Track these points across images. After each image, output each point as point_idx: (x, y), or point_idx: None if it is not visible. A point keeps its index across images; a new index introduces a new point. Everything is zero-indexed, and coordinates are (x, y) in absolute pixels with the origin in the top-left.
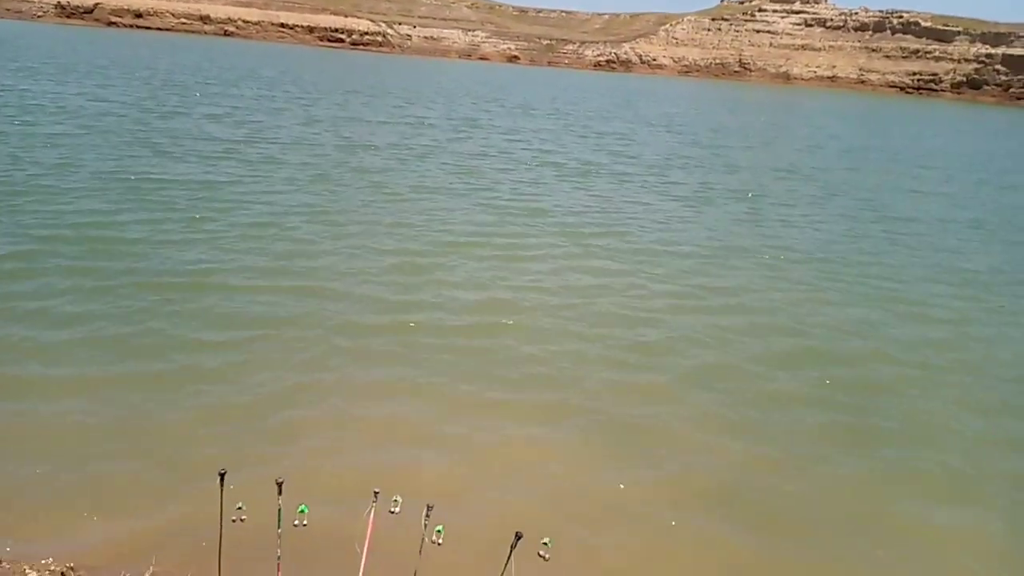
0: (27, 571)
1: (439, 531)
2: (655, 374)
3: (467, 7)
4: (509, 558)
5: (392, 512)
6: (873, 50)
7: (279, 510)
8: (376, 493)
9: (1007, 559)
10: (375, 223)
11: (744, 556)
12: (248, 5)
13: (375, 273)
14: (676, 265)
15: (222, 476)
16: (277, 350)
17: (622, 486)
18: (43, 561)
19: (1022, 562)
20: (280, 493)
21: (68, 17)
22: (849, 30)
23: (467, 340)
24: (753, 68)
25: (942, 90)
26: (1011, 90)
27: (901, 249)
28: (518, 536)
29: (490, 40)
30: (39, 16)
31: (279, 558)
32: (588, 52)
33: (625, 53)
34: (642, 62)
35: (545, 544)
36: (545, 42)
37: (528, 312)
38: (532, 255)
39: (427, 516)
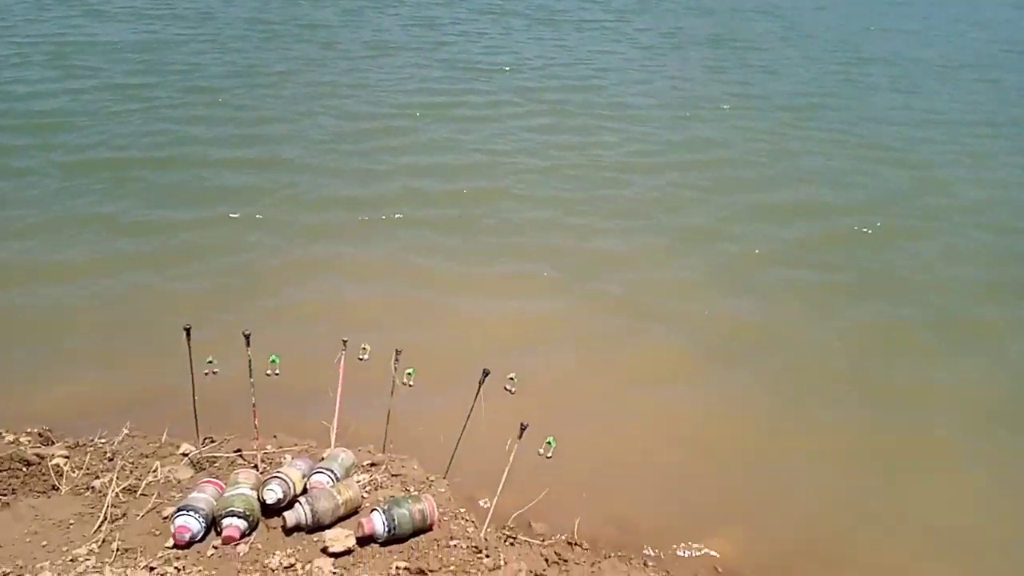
0: (3, 434)
1: (410, 374)
2: (629, 237)
3: None
4: (478, 393)
5: (361, 359)
6: None
7: (249, 360)
8: (345, 342)
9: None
10: (332, 84)
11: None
12: None
13: (334, 141)
14: (643, 119)
15: (187, 331)
16: (240, 225)
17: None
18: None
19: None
20: (248, 345)
21: None
22: None
23: (438, 209)
24: None
25: None
26: None
27: (870, 92)
28: (485, 373)
29: None
30: None
31: (254, 405)
32: None
33: None
34: None
35: (511, 379)
36: None
37: (497, 175)
38: (493, 115)
39: (396, 361)
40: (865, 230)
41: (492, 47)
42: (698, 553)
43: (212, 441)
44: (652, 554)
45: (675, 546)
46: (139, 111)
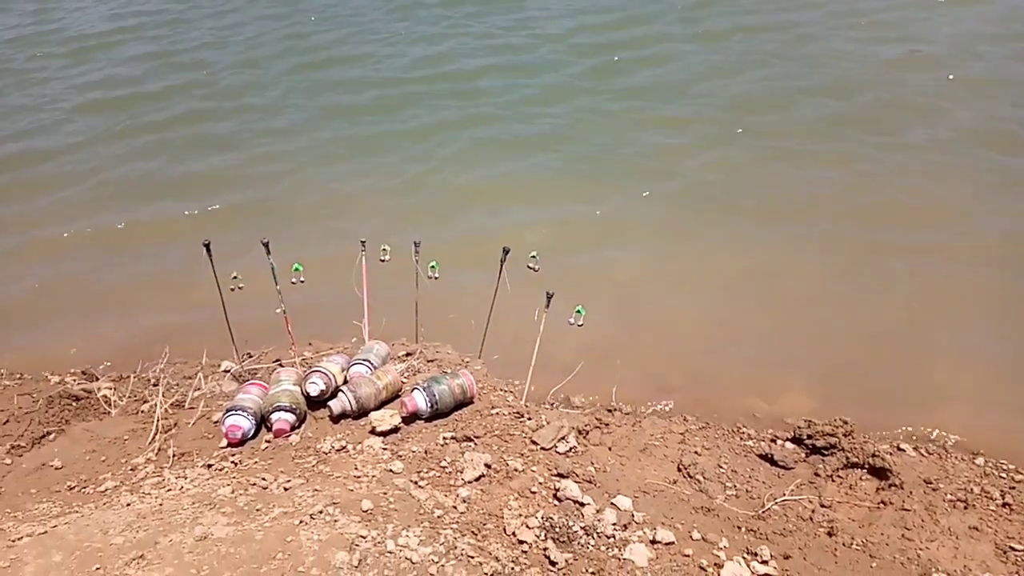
0: (48, 377)
1: (433, 267)
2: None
3: None
4: (501, 271)
5: (383, 260)
6: None
7: (272, 268)
8: (363, 243)
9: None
10: None
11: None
12: None
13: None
14: None
15: (207, 246)
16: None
17: (598, 212)
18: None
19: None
20: (268, 253)
21: None
22: None
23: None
24: None
25: None
26: None
27: None
28: (506, 251)
29: None
30: None
31: (284, 313)
32: None
33: None
34: None
35: (534, 257)
36: None
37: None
38: None
39: (417, 253)
40: None
41: None
42: (734, 404)
43: (251, 356)
44: (690, 409)
45: (712, 398)
46: None
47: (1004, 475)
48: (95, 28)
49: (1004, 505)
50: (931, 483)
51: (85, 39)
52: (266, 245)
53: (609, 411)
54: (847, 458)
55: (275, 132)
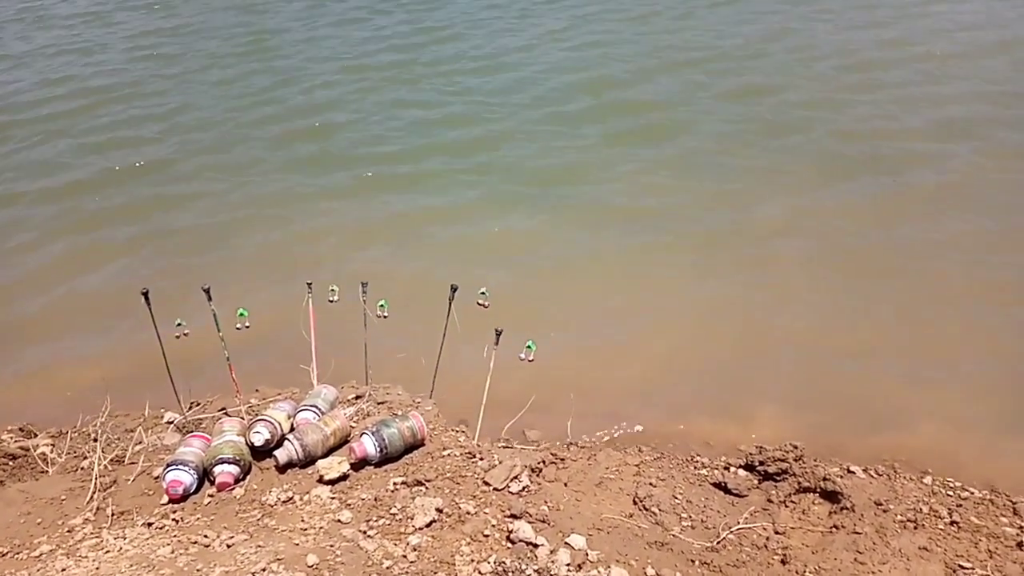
0: None
1: (382, 305)
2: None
3: None
4: (449, 309)
5: (331, 301)
6: None
7: (214, 315)
8: (310, 284)
9: None
10: None
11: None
12: None
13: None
14: None
15: (145, 295)
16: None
17: (548, 246)
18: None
19: None
20: (210, 299)
21: None
22: None
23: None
24: None
25: None
26: None
27: None
28: (454, 288)
29: None
30: None
31: (228, 360)
32: None
33: None
34: None
35: (483, 293)
36: None
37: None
38: None
39: (364, 293)
40: None
41: None
42: (688, 433)
43: (196, 405)
44: (644, 440)
45: (666, 430)
46: None
47: (951, 493)
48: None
49: (952, 523)
50: (881, 504)
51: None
52: (207, 291)
53: (564, 445)
54: (799, 483)
55: (218, 167)
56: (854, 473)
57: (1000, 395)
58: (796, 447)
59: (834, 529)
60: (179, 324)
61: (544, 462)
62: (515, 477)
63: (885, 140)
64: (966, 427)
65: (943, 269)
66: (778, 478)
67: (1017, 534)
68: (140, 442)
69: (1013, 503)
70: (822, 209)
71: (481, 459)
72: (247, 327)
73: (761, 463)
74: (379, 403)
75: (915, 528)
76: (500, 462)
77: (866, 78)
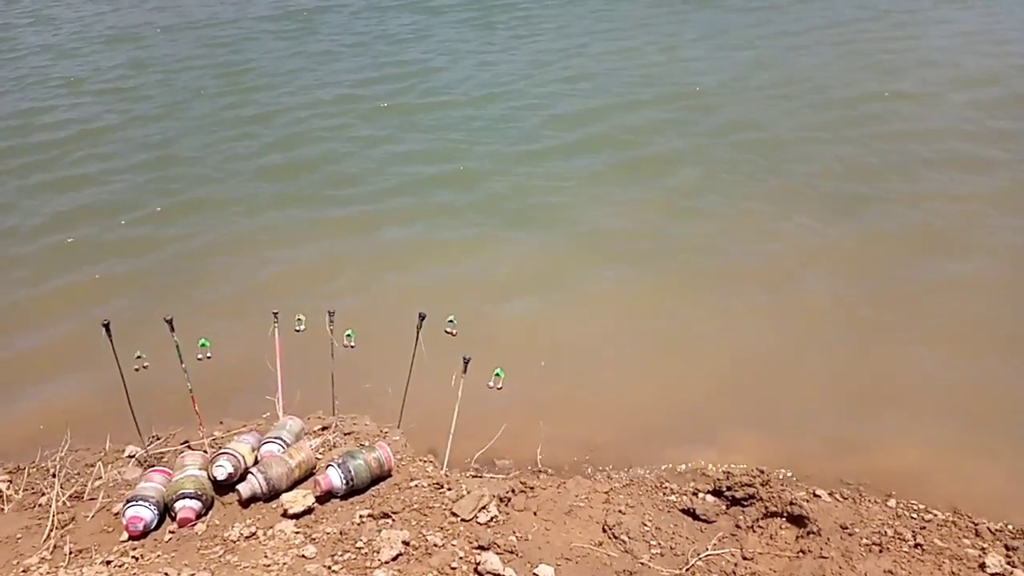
0: None
1: (349, 335)
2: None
3: None
4: (417, 338)
5: (298, 331)
6: None
7: (176, 346)
8: (276, 313)
9: None
10: None
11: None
12: None
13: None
14: None
15: (106, 327)
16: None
17: (518, 272)
18: None
19: None
20: (172, 330)
21: None
22: None
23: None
24: None
25: None
26: None
27: None
28: (422, 317)
29: None
30: None
31: (191, 392)
32: None
33: None
34: None
35: (451, 321)
36: None
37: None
38: None
39: (331, 322)
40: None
41: None
42: (657, 459)
43: (158, 438)
44: (615, 465)
45: (636, 457)
46: None
47: (915, 515)
48: None
49: (916, 546)
50: (847, 528)
51: None
52: (169, 322)
53: (534, 473)
54: (766, 507)
55: (184, 203)
56: (820, 497)
57: (963, 416)
58: (763, 472)
59: (801, 554)
60: (138, 356)
61: (513, 491)
62: (483, 507)
63: (865, 178)
64: (930, 448)
65: (923, 304)
66: (745, 503)
67: (979, 555)
68: (100, 477)
69: (975, 524)
70: (799, 242)
71: (449, 489)
72: (209, 357)
73: (729, 488)
74: (346, 434)
75: (880, 552)
76: (468, 492)
77: (851, 114)
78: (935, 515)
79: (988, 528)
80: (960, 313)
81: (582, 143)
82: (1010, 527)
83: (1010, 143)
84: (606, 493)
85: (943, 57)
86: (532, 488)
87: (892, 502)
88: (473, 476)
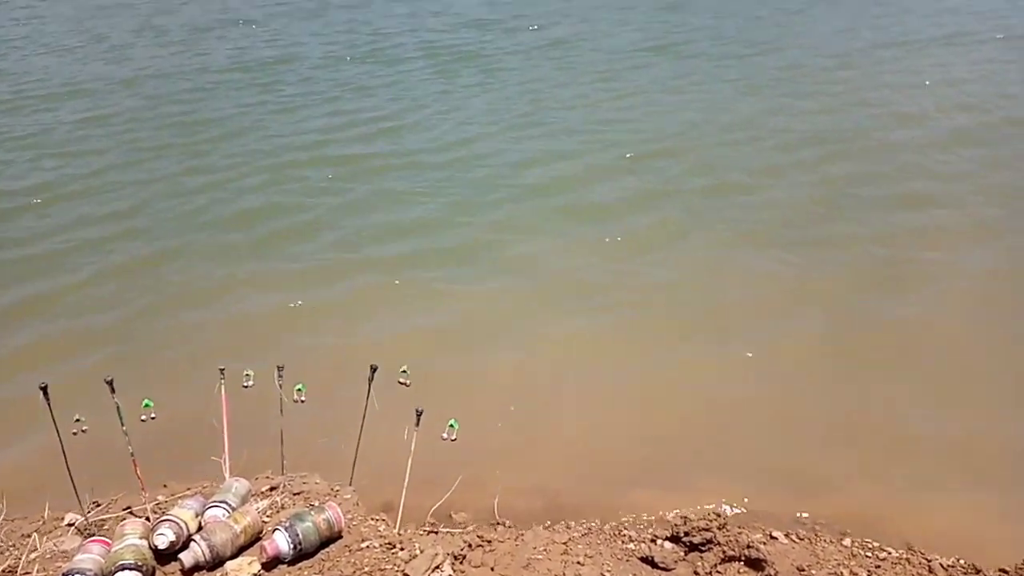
0: None
1: (300, 389)
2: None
3: None
4: (369, 391)
5: (246, 387)
6: None
7: (117, 408)
8: (222, 370)
9: None
10: None
11: None
12: None
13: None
14: None
15: (44, 389)
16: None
17: (470, 319)
18: None
19: None
20: (113, 391)
21: None
22: None
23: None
24: None
25: None
26: None
27: None
28: (373, 369)
29: None
30: None
31: (132, 455)
32: None
33: None
34: None
35: (404, 372)
36: None
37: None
38: None
39: (280, 376)
40: None
41: None
42: (615, 505)
43: (98, 505)
44: (574, 515)
45: (595, 504)
46: None
47: (870, 554)
48: None
49: None
50: (803, 570)
51: None
52: (110, 383)
53: (492, 525)
54: (724, 552)
55: (133, 260)
56: (776, 539)
57: (914, 454)
58: (719, 515)
59: None
60: (77, 420)
61: (470, 545)
62: (437, 567)
63: (824, 220)
64: (882, 486)
65: (879, 347)
66: (703, 548)
67: None
68: (35, 549)
69: (928, 561)
70: (758, 289)
71: (402, 549)
72: (153, 418)
73: (686, 534)
74: (295, 494)
75: None
76: (421, 551)
77: (809, 156)
78: (889, 553)
79: (940, 564)
80: (914, 354)
81: (540, 190)
82: (962, 562)
83: (965, 181)
84: (564, 544)
85: (899, 98)
86: (489, 542)
87: (847, 541)
88: (428, 532)
